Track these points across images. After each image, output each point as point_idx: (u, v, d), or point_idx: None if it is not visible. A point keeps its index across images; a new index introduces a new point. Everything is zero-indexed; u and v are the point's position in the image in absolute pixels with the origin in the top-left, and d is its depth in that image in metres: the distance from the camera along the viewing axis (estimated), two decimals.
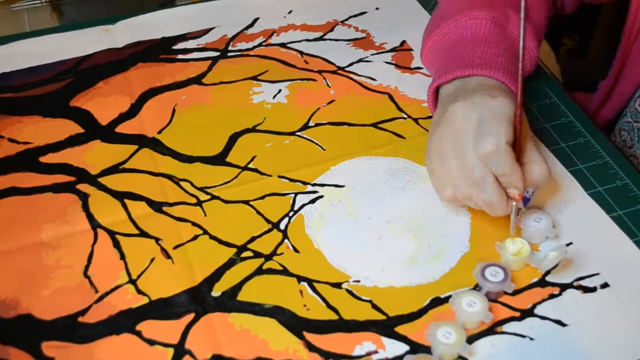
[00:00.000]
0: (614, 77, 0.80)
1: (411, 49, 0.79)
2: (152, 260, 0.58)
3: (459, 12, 0.68)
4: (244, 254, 0.58)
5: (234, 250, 0.59)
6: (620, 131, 0.78)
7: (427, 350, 0.52)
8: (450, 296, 0.55)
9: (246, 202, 0.62)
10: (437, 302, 0.55)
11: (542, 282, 0.57)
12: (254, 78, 0.75)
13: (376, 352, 0.52)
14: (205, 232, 0.60)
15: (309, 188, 0.64)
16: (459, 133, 0.57)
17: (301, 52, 0.78)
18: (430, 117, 0.70)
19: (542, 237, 0.60)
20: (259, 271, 0.57)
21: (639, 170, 0.66)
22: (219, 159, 0.66)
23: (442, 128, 0.59)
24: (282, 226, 0.61)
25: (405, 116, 0.71)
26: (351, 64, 0.77)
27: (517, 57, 0.64)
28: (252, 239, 0.60)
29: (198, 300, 0.55)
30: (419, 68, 0.76)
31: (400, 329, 0.54)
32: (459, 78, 0.63)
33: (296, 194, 0.63)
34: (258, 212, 0.62)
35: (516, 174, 0.56)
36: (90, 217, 0.61)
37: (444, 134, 0.59)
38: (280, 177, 0.65)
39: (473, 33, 0.67)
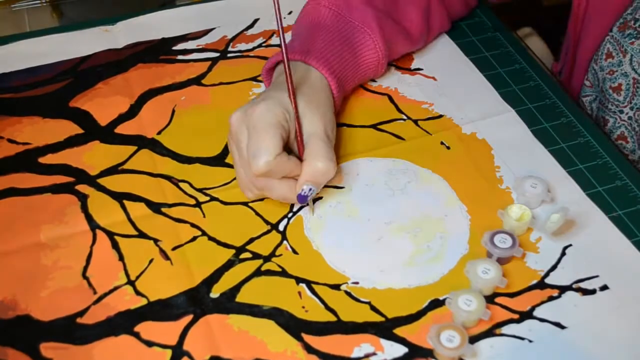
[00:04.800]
0: (569, 69, 0.84)
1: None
2: (151, 261, 0.58)
3: None
4: (243, 255, 0.58)
5: (233, 251, 0.59)
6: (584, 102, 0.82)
7: (426, 352, 0.52)
8: None
9: (245, 204, 0.62)
10: (436, 303, 0.55)
11: (541, 285, 0.57)
12: (254, 79, 0.75)
13: (375, 354, 0.52)
14: (204, 233, 0.60)
15: None
16: (237, 143, 0.59)
17: None
18: (430, 118, 0.70)
19: (539, 202, 0.62)
20: (258, 272, 0.57)
21: (638, 169, 0.66)
22: (218, 160, 0.66)
23: (228, 136, 0.61)
24: (281, 227, 0.61)
25: (405, 117, 0.71)
26: None
27: (349, 43, 0.67)
28: (251, 240, 0.60)
29: (196, 302, 0.55)
30: (419, 69, 0.76)
31: (399, 331, 0.54)
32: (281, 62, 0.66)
33: None
34: (257, 214, 0.62)
35: (294, 171, 0.59)
36: (89, 218, 0.61)
37: (230, 144, 0.61)
38: None
39: (310, 19, 0.70)
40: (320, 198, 0.63)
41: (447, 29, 0.79)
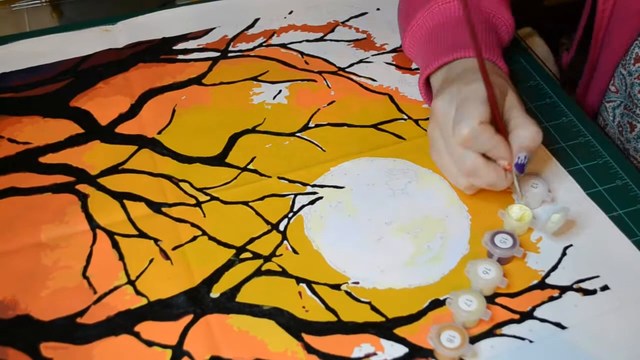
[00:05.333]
0: (590, 72, 0.82)
1: None
2: (151, 261, 0.58)
3: (427, 2, 0.70)
4: (243, 255, 0.58)
5: (233, 251, 0.59)
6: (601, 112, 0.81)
7: (426, 352, 0.52)
8: None
9: (245, 203, 0.62)
10: (436, 304, 0.55)
11: (541, 285, 0.56)
12: (254, 79, 0.75)
13: (375, 354, 0.52)
14: (204, 233, 0.60)
15: (309, 189, 0.64)
16: (443, 128, 0.59)
17: (301, 53, 0.78)
18: None
19: (539, 202, 0.62)
20: (258, 272, 0.57)
21: (637, 168, 0.66)
22: (219, 160, 0.66)
23: (431, 126, 0.61)
24: (281, 227, 0.60)
25: (406, 117, 0.71)
26: (351, 65, 0.77)
27: (495, 30, 0.67)
28: (251, 240, 0.59)
29: (197, 302, 0.55)
30: (419, 69, 0.76)
31: (399, 331, 0.54)
32: (444, 65, 0.65)
33: (296, 194, 0.63)
34: (257, 213, 0.62)
35: (499, 146, 0.57)
36: (90, 218, 0.61)
37: (434, 133, 0.61)
38: (279, 178, 0.65)
39: (447, 17, 0.69)
40: (321, 198, 0.63)
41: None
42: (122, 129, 0.69)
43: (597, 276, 0.57)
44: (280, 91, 0.73)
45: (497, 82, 0.60)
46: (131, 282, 0.56)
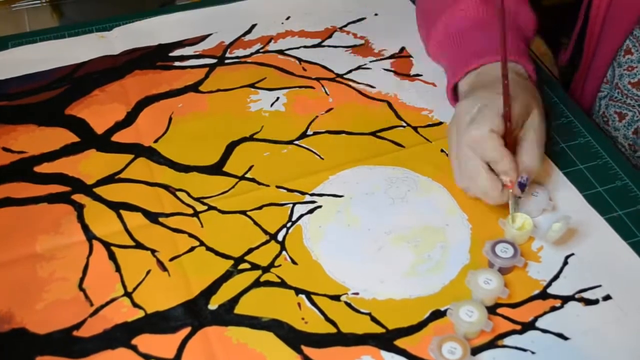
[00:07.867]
0: (585, 69, 0.82)
1: (410, 56, 0.78)
2: (148, 272, 0.57)
3: (449, 6, 0.70)
4: (241, 266, 0.58)
5: (231, 262, 0.58)
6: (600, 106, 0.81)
7: None
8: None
9: (243, 213, 0.62)
10: (437, 314, 0.55)
11: (543, 295, 0.56)
12: (252, 85, 0.74)
13: None
14: (201, 243, 0.59)
15: (307, 198, 0.63)
16: (459, 125, 0.60)
17: (299, 59, 0.77)
18: (430, 125, 0.70)
19: (540, 210, 0.61)
20: (257, 283, 0.57)
21: (638, 168, 0.66)
22: (216, 169, 0.66)
23: (450, 123, 0.61)
24: (279, 237, 0.60)
25: (405, 124, 0.70)
26: (350, 71, 0.76)
27: (519, 30, 0.67)
28: (250, 251, 0.59)
29: (194, 314, 0.54)
30: (418, 75, 0.75)
31: (400, 342, 0.53)
32: (472, 71, 0.65)
33: (294, 204, 0.62)
34: (255, 223, 0.61)
35: (504, 161, 0.57)
36: (86, 228, 0.60)
37: (452, 130, 0.61)
38: (278, 187, 0.64)
39: (471, 20, 0.68)
40: (320, 207, 0.62)
41: None
42: (118, 137, 0.68)
43: (599, 285, 0.56)
44: (277, 98, 0.73)
45: (523, 99, 0.60)
46: (128, 294, 0.56)
